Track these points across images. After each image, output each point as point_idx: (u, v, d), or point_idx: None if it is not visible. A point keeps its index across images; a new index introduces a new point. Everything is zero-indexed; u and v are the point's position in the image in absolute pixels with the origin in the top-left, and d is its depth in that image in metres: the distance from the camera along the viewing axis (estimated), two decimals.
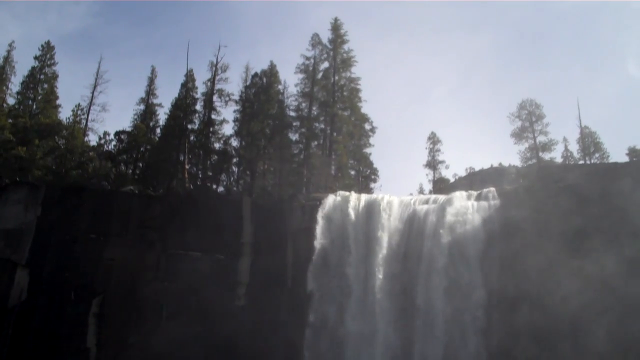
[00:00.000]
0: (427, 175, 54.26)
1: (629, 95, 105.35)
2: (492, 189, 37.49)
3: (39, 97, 54.79)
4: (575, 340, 30.36)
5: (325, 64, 54.66)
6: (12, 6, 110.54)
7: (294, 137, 53.36)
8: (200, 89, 54.52)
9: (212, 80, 53.17)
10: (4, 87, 54.61)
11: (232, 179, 53.59)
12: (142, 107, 56.35)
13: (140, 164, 52.81)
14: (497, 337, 32.13)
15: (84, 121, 52.91)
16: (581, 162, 50.15)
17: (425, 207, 37.45)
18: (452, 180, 52.38)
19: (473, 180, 46.07)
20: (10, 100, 54.76)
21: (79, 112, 52.77)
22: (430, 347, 32.52)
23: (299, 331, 35.41)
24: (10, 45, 55.64)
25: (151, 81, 57.15)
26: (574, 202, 33.51)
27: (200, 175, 53.00)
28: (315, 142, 53.47)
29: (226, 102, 53.13)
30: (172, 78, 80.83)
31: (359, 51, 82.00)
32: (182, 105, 53.10)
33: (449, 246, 34.27)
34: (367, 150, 55.27)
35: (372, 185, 54.12)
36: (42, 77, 55.12)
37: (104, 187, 45.35)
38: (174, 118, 53.21)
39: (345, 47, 54.86)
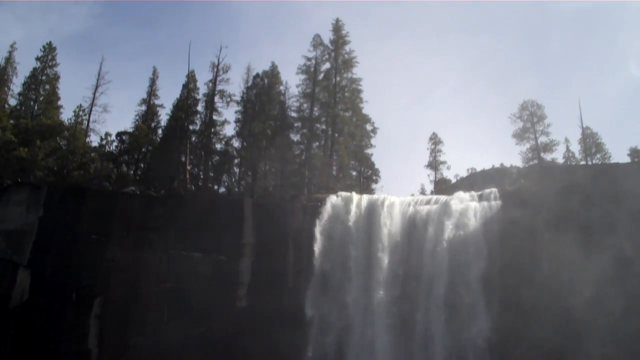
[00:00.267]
0: (428, 175, 54.35)
1: (631, 96, 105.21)
2: (494, 189, 37.54)
3: (41, 98, 54.81)
4: (577, 343, 30.25)
5: (327, 65, 54.76)
6: (14, 7, 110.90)
7: (295, 137, 53.52)
8: (202, 89, 54.64)
9: (214, 81, 53.22)
10: (6, 88, 54.74)
11: (233, 179, 53.66)
12: (143, 108, 56.39)
13: (142, 165, 52.88)
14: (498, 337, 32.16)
15: (85, 122, 53.12)
16: (583, 162, 50.12)
17: (426, 207, 37.47)
18: (453, 180, 52.39)
19: (474, 181, 46.00)
20: (12, 101, 55.02)
21: (80, 113, 52.92)
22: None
23: (300, 331, 35.41)
24: (11, 46, 55.88)
25: (153, 82, 57.20)
26: (576, 202, 33.50)
27: (201, 176, 53.05)
28: (317, 143, 53.55)
29: (227, 103, 53.27)
30: (174, 79, 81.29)
31: (360, 52, 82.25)
32: (184, 106, 53.15)
33: (449, 247, 34.28)
34: (369, 150, 55.42)
35: (374, 186, 54.18)
36: (43, 78, 55.17)
37: (105, 188, 45.32)
38: (176, 119, 53.25)
39: (347, 48, 54.96)
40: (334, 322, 35.37)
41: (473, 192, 37.86)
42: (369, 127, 55.24)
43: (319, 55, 54.58)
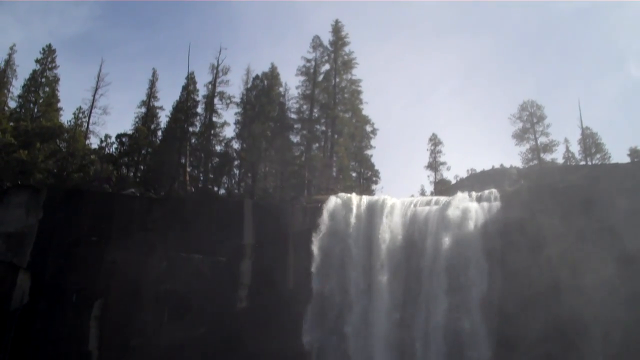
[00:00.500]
0: (428, 176, 54.23)
1: (630, 96, 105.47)
2: (494, 190, 37.50)
3: (41, 100, 54.82)
4: (581, 345, 30.24)
5: (326, 66, 54.90)
6: (14, 9, 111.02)
7: (295, 139, 53.62)
8: (202, 91, 54.75)
9: (213, 83, 53.31)
10: (6, 91, 54.66)
11: (233, 181, 53.71)
12: (143, 109, 56.35)
13: (142, 167, 52.90)
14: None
15: (85, 124, 53.06)
16: (582, 163, 50.13)
17: (426, 208, 37.46)
18: (453, 181, 52.37)
19: (474, 182, 46.02)
20: (12, 104, 54.93)
21: (80, 115, 52.95)
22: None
23: (300, 331, 35.40)
24: (11, 48, 55.71)
25: (152, 84, 57.15)
26: (576, 203, 33.49)
27: (201, 178, 53.09)
28: (317, 144, 53.62)
29: (227, 105, 53.34)
30: (173, 81, 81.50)
31: (359, 53, 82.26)
32: (183, 107, 53.18)
33: (450, 247, 34.30)
34: (368, 152, 55.49)
35: (374, 187, 54.17)
36: (43, 80, 55.21)
37: (105, 190, 45.29)
38: (175, 121, 53.31)
39: (346, 49, 55.10)
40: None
41: (473, 193, 37.81)
42: (368, 128, 55.36)
43: (318, 57, 54.75)
